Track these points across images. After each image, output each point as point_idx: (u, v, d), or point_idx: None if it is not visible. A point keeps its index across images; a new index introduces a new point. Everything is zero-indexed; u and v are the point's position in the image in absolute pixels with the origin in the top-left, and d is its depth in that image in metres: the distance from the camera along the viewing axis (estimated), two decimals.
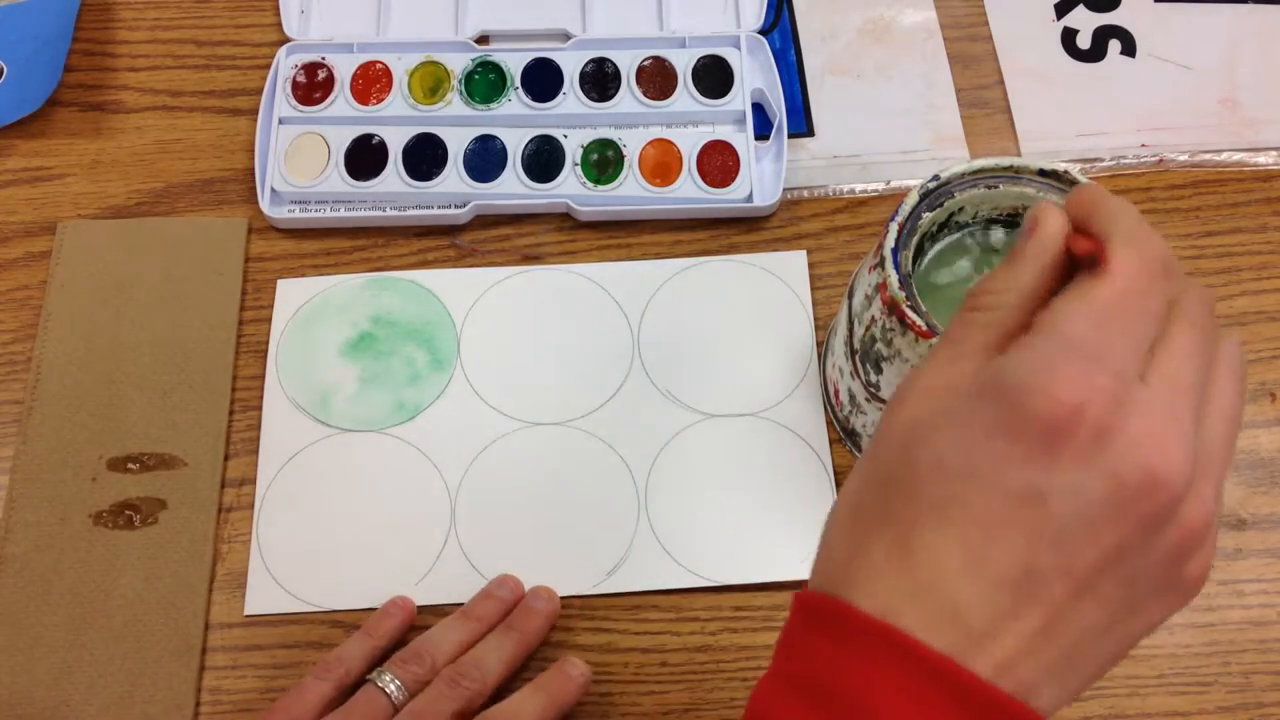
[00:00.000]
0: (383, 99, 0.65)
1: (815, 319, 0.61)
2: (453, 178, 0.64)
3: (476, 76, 0.66)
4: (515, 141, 0.64)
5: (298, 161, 0.64)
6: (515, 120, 0.65)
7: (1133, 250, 0.31)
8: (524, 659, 0.52)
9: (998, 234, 0.55)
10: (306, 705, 0.49)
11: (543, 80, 0.66)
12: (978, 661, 0.29)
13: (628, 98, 0.66)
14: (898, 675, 0.29)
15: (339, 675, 0.50)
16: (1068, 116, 0.67)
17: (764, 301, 0.62)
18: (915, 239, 0.51)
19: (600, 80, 0.66)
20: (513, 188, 0.64)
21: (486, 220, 0.64)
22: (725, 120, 0.66)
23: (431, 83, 0.66)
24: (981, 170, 0.52)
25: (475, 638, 0.52)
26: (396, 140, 0.64)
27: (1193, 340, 0.31)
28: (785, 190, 0.64)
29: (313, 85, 0.66)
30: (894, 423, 0.32)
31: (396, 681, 0.49)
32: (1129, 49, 0.69)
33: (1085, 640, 0.30)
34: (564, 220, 0.64)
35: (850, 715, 0.29)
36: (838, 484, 0.57)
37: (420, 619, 0.54)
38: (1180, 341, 0.31)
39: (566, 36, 0.68)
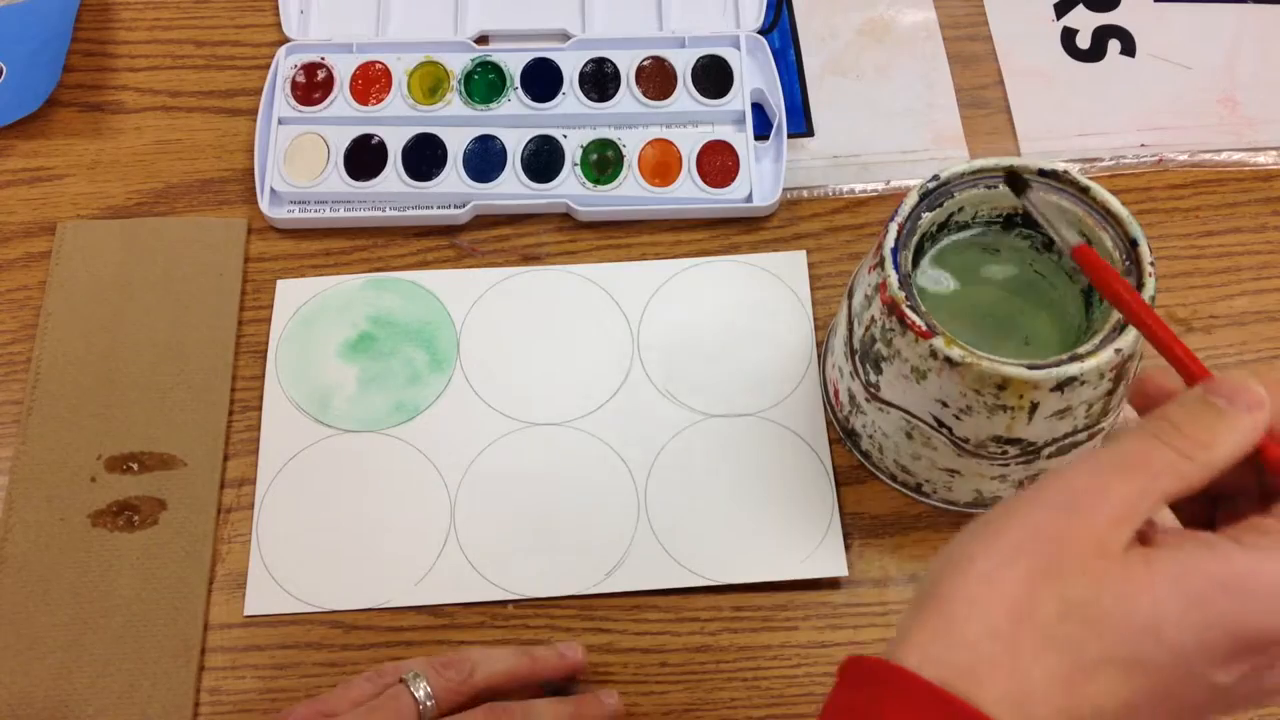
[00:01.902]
0: (382, 99, 0.65)
1: (815, 319, 0.61)
2: (452, 178, 0.64)
3: (476, 76, 0.66)
4: (515, 141, 0.64)
5: (297, 162, 0.64)
6: (515, 120, 0.65)
7: None
8: None
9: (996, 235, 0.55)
10: (344, 700, 0.47)
11: (542, 80, 0.66)
12: None
13: (627, 98, 0.66)
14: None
15: (389, 683, 0.48)
16: (1068, 116, 0.67)
17: (764, 301, 0.62)
18: (915, 239, 0.51)
19: (600, 80, 0.66)
20: (512, 188, 0.64)
21: (486, 220, 0.64)
22: (725, 120, 0.66)
23: (431, 83, 0.66)
24: (981, 170, 0.52)
25: (523, 671, 0.50)
26: (396, 140, 0.64)
27: None
28: (785, 190, 0.64)
29: (312, 85, 0.66)
30: (1083, 523, 0.30)
31: (428, 689, 0.47)
32: (1129, 49, 0.69)
33: None
34: (564, 220, 0.64)
35: None
36: (838, 484, 0.57)
37: (421, 620, 0.54)
38: None
39: (566, 36, 0.68)
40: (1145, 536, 0.32)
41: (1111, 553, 0.30)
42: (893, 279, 0.49)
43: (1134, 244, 0.50)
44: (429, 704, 0.47)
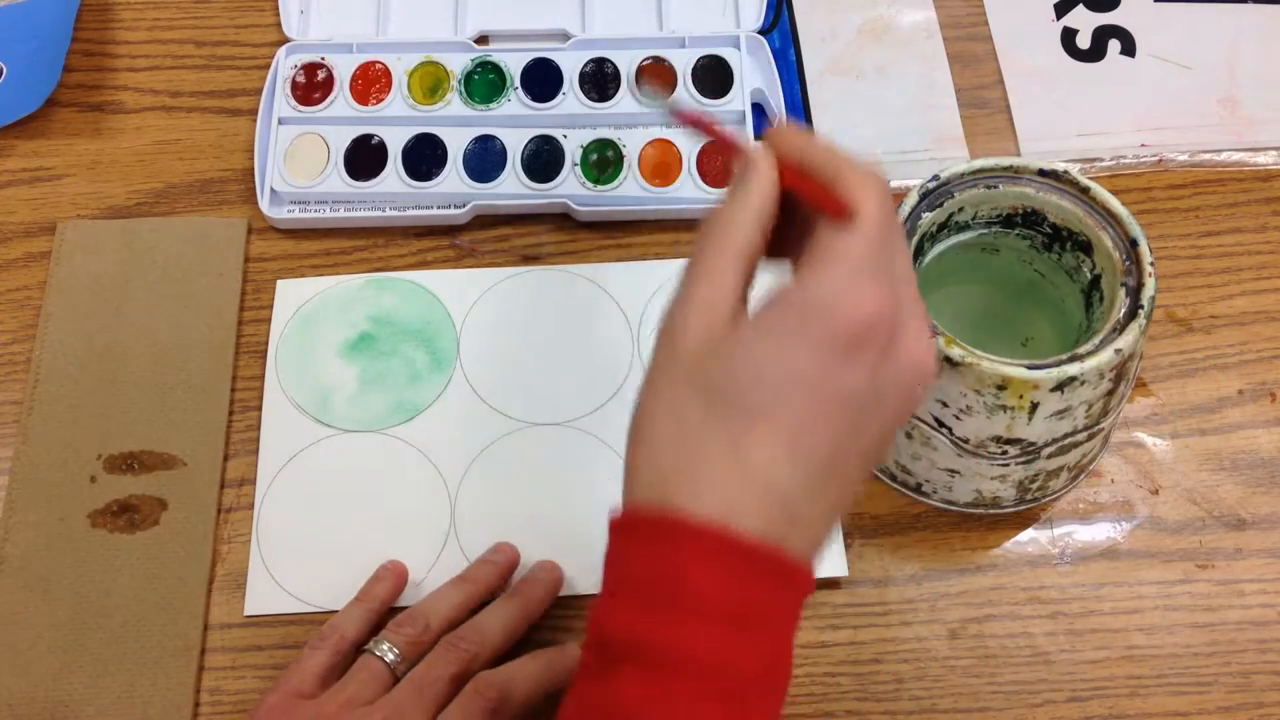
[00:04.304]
0: (382, 99, 0.65)
1: None
2: (452, 178, 0.64)
3: (476, 76, 0.66)
4: (515, 142, 0.64)
5: (297, 162, 0.64)
6: (515, 120, 0.65)
7: (875, 189, 0.36)
8: (525, 626, 0.52)
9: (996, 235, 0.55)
10: (307, 675, 0.49)
11: (542, 80, 0.66)
12: (791, 537, 0.35)
13: (627, 98, 0.66)
14: (722, 564, 0.34)
15: (334, 642, 0.50)
16: (1068, 116, 0.67)
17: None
18: (915, 239, 0.51)
19: (600, 80, 0.66)
20: (512, 188, 0.64)
21: (486, 220, 0.64)
22: (725, 120, 0.66)
23: (431, 83, 0.66)
24: (981, 170, 0.52)
25: (471, 600, 0.52)
26: (396, 140, 0.64)
27: (905, 249, 0.38)
28: None
29: (312, 85, 0.66)
30: (686, 337, 0.36)
31: (394, 650, 0.49)
32: (1129, 49, 0.69)
33: (847, 500, 0.37)
34: (564, 220, 0.64)
35: (673, 601, 0.34)
36: None
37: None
38: (902, 253, 0.38)
39: (566, 36, 0.68)
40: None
41: (719, 330, 0.36)
42: None
43: (1134, 244, 0.50)
44: (397, 661, 0.49)
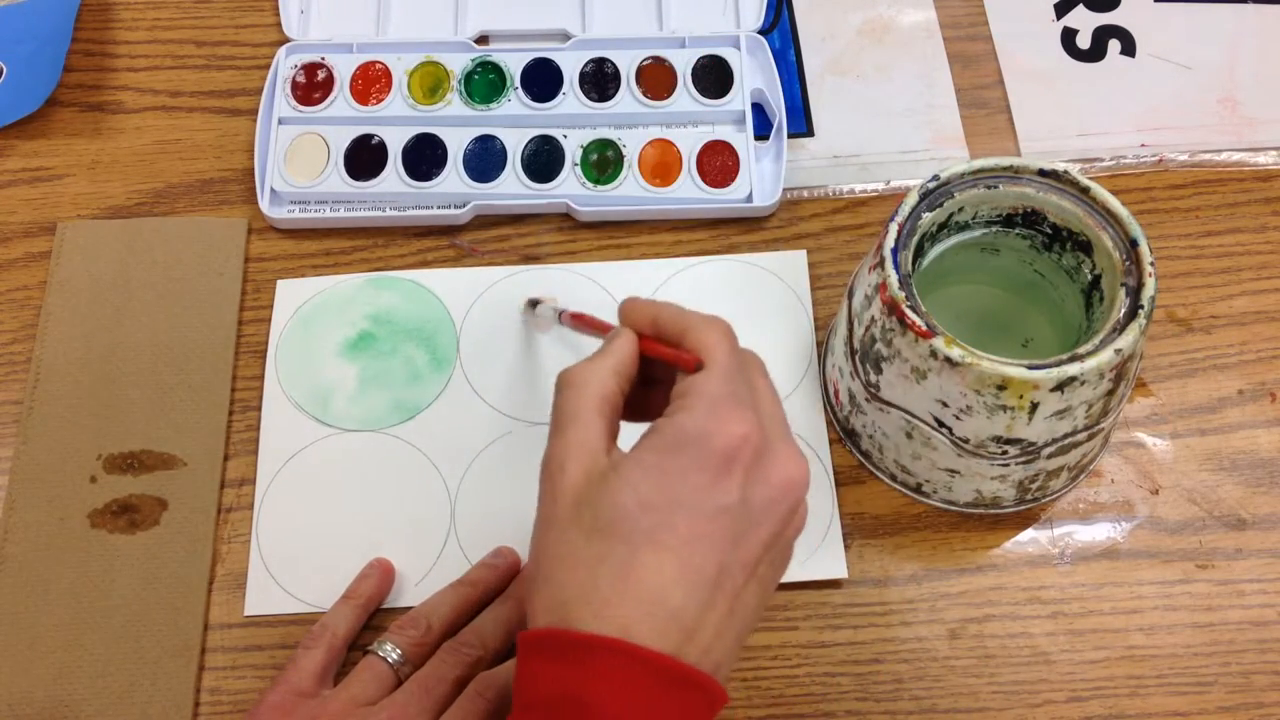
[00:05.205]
0: (382, 99, 0.65)
1: (815, 319, 0.61)
2: (452, 178, 0.64)
3: (476, 76, 0.66)
4: (515, 141, 0.64)
5: (297, 162, 0.64)
6: (515, 120, 0.65)
7: (717, 334, 0.41)
8: (523, 625, 0.52)
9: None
10: (305, 674, 0.49)
11: (542, 80, 0.66)
12: (690, 651, 0.37)
13: (627, 98, 0.66)
14: (623, 675, 0.36)
15: (327, 640, 0.51)
16: (1068, 116, 0.67)
17: (764, 301, 0.62)
18: (915, 239, 0.51)
19: (600, 80, 0.66)
20: (512, 188, 0.64)
21: (486, 220, 0.64)
22: (725, 120, 0.66)
23: (431, 83, 0.66)
24: (981, 170, 0.52)
25: (470, 603, 0.53)
26: (396, 140, 0.64)
27: (765, 380, 0.42)
28: (785, 190, 0.64)
29: (312, 85, 0.66)
30: (565, 480, 0.39)
31: (397, 650, 0.50)
32: (1129, 49, 0.69)
33: (748, 615, 0.39)
34: (564, 220, 0.64)
35: (579, 712, 0.35)
36: (838, 483, 0.57)
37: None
38: (763, 383, 0.42)
39: (566, 36, 0.68)
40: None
41: (598, 467, 0.39)
42: (893, 279, 0.49)
43: (1134, 244, 0.50)
44: (400, 661, 0.50)
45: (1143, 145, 0.66)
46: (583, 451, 0.40)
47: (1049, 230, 0.53)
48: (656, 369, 0.43)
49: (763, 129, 0.66)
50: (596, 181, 0.64)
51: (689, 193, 0.63)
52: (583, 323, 0.51)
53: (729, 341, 0.41)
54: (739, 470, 0.38)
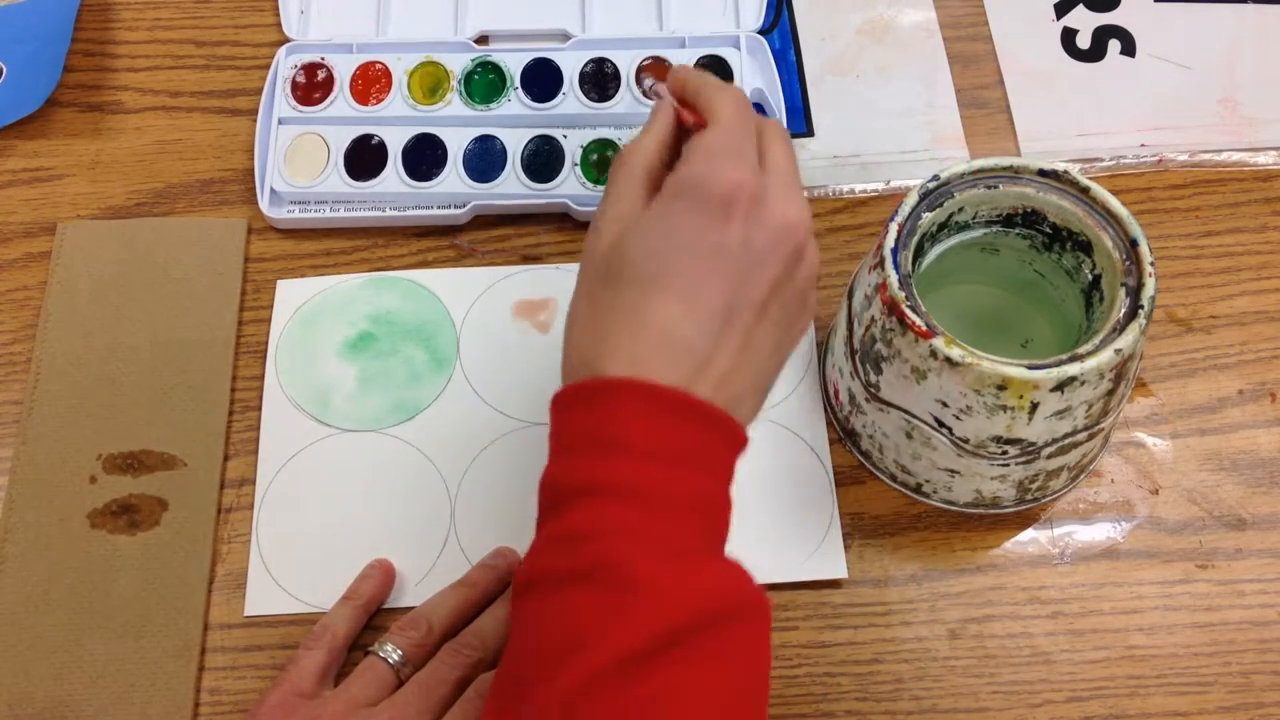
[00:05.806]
0: (382, 99, 0.65)
1: (815, 319, 0.61)
2: (452, 178, 0.64)
3: (476, 76, 0.66)
4: (515, 142, 0.64)
5: (297, 162, 0.64)
6: (515, 120, 0.65)
7: (726, 97, 0.45)
8: None
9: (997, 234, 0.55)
10: (305, 675, 0.49)
11: (542, 80, 0.66)
12: (702, 384, 0.40)
13: (627, 98, 0.66)
14: (639, 408, 0.39)
15: (328, 641, 0.51)
16: (1068, 116, 0.67)
17: None
18: (915, 239, 0.51)
19: (600, 80, 0.66)
20: (512, 188, 0.64)
21: (486, 220, 0.64)
22: None
23: (431, 83, 0.66)
24: (981, 170, 0.52)
25: (470, 604, 0.53)
26: (396, 140, 0.64)
27: (781, 145, 0.44)
28: None
29: (312, 85, 0.66)
30: (599, 245, 0.42)
31: (398, 651, 0.50)
32: (1129, 49, 0.69)
33: (764, 356, 0.42)
34: (564, 220, 0.64)
35: (605, 446, 0.39)
36: (838, 484, 0.57)
37: None
38: (775, 145, 0.44)
39: (566, 36, 0.68)
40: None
41: (632, 214, 0.42)
42: (893, 279, 0.49)
43: (1134, 244, 0.50)
44: (401, 662, 0.50)
45: (1142, 145, 0.66)
46: (618, 220, 0.42)
47: (1049, 230, 0.53)
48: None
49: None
50: (596, 181, 0.64)
51: None
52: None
53: (736, 105, 0.44)
54: (738, 214, 0.41)
